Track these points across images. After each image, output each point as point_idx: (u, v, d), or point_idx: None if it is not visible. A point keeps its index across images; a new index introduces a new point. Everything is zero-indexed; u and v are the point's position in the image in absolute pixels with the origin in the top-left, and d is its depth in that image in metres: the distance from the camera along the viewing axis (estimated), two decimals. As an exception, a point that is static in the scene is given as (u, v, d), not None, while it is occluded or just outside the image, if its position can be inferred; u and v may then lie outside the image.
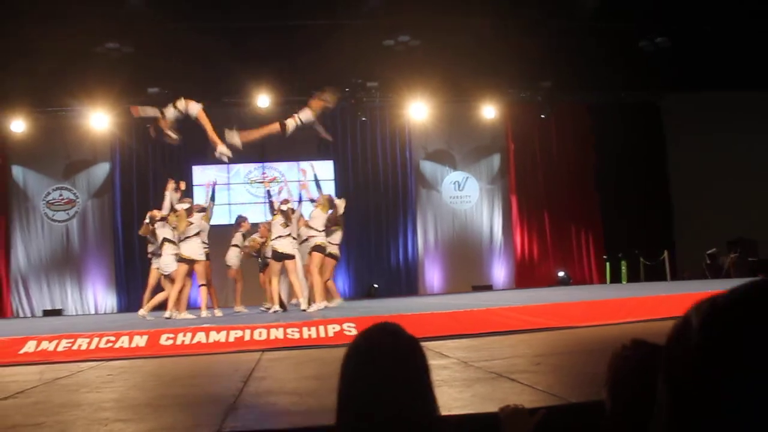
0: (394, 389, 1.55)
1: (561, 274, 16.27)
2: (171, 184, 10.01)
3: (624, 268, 15.82)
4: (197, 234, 9.59)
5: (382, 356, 1.59)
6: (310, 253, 9.92)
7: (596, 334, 5.75)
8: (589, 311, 6.60)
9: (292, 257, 9.50)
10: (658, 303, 6.82)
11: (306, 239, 10.15)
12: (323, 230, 10.00)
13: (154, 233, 10.01)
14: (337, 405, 1.62)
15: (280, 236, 9.52)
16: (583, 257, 16.61)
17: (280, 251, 9.49)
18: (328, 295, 10.13)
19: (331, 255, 10.31)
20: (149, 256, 10.56)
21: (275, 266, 9.68)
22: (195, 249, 9.52)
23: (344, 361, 1.64)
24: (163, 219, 9.75)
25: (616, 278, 15.91)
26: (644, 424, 1.21)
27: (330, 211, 10.21)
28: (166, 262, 9.59)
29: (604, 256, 16.37)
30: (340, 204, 10.56)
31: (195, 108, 10.10)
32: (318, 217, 10.01)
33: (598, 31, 13.19)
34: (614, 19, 12.92)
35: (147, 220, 10.21)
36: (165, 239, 9.66)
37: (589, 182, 16.69)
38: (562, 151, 16.76)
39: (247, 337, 5.78)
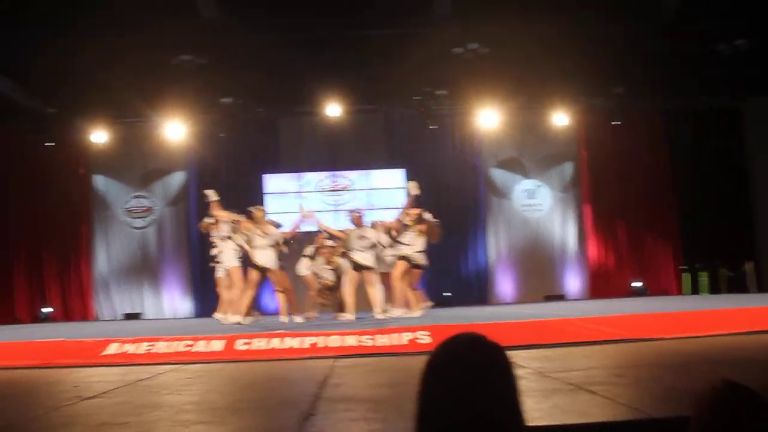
0: (480, 400, 1.47)
1: (636, 284, 15.85)
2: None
3: (704, 279, 15.29)
4: (273, 245, 9.65)
5: (467, 366, 1.51)
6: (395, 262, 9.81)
7: (676, 348, 5.56)
8: (669, 323, 6.40)
9: (371, 269, 9.50)
10: (743, 316, 6.56)
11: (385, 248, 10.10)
12: (410, 244, 9.84)
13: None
14: (418, 415, 1.53)
15: (359, 248, 9.51)
16: (660, 267, 16.13)
17: (360, 263, 9.49)
18: (409, 304, 9.97)
19: (417, 265, 10.04)
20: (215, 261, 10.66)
21: (354, 276, 9.66)
22: (269, 259, 9.60)
23: (426, 371, 1.56)
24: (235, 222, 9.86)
25: (694, 289, 15.41)
26: None
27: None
28: (228, 257, 9.68)
29: (682, 267, 15.87)
30: (428, 216, 10.30)
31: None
32: (408, 233, 9.85)
33: (672, 35, 12.85)
34: (690, 22, 12.58)
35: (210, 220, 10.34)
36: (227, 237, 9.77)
37: (666, 190, 16.23)
38: (636, 158, 16.35)
39: (321, 344, 5.81)
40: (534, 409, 3.23)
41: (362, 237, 9.54)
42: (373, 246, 9.63)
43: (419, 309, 9.81)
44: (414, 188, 10.02)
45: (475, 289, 15.86)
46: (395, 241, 9.85)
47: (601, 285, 15.90)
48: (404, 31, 12.83)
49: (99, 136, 15.21)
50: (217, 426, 3.02)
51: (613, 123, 15.66)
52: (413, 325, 6.33)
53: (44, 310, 15.56)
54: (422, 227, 9.76)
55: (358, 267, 9.55)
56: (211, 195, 10.12)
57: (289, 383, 4.57)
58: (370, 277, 9.55)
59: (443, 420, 1.48)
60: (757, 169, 16.05)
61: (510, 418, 1.49)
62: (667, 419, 3.00)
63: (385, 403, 3.46)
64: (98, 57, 12.69)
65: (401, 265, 9.64)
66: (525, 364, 4.86)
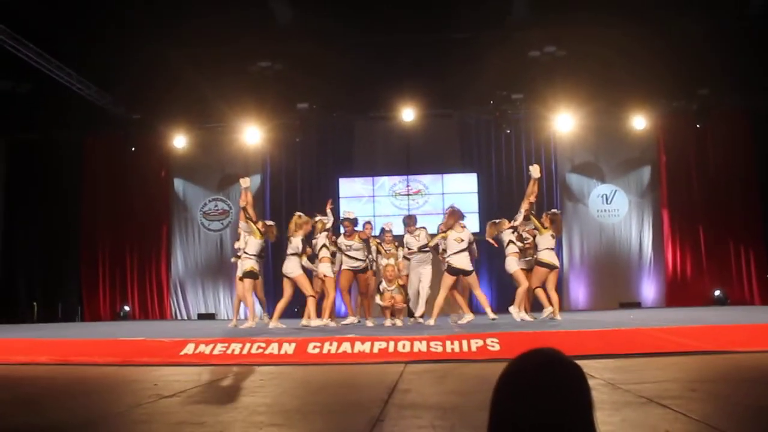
0: (554, 416, 1.43)
1: (717, 293, 15.33)
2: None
3: (789, 289, 14.69)
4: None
5: (544, 382, 1.47)
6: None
7: (755, 362, 5.38)
8: (750, 335, 6.16)
9: (469, 272, 9.39)
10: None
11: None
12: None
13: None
14: (490, 426, 1.51)
15: (456, 251, 9.35)
16: (743, 275, 15.55)
17: (456, 267, 9.32)
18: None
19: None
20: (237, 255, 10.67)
21: (448, 280, 9.44)
22: (326, 268, 9.74)
23: (502, 382, 1.52)
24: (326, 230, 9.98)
25: (779, 300, 14.81)
26: None
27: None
28: (291, 267, 9.72)
29: (767, 275, 15.26)
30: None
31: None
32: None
33: (757, 32, 12.41)
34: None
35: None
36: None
37: (751, 194, 15.63)
38: (719, 161, 15.81)
39: (391, 349, 5.86)
40: (604, 422, 3.19)
41: (460, 241, 9.41)
42: (467, 248, 9.48)
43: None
44: (536, 171, 9.76)
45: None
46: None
47: (679, 293, 15.44)
48: (481, 34, 12.82)
49: (179, 140, 15.72)
50: (288, 429, 3.10)
51: (696, 125, 15.21)
52: (483, 332, 6.31)
53: (124, 308, 16.19)
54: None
55: (455, 271, 9.36)
56: (243, 182, 10.14)
57: (358, 388, 4.62)
58: (470, 281, 9.46)
59: None
60: None
61: None
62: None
63: (453, 411, 3.48)
64: (179, 65, 13.14)
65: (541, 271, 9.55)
66: (596, 374, 4.79)
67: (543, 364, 1.52)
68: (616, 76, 13.47)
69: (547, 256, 9.44)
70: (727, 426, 3.01)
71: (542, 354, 1.54)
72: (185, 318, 16.25)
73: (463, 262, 9.32)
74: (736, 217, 15.58)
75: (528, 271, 9.64)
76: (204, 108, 14.96)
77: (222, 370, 5.46)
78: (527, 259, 9.79)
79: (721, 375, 4.85)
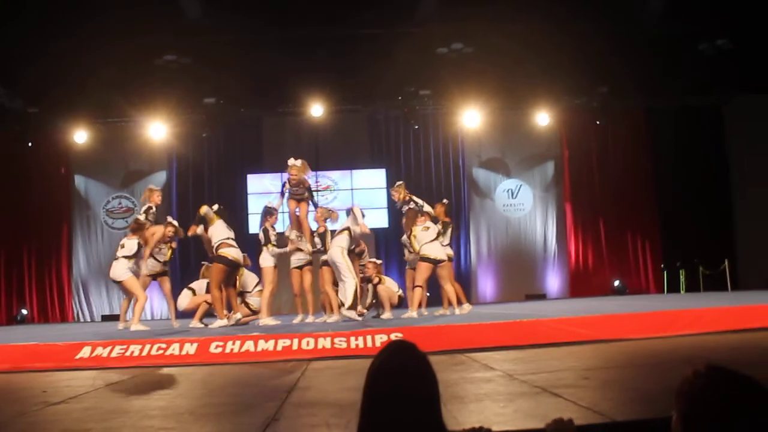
0: (406, 406, 1.66)
1: (616, 283, 15.95)
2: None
3: (682, 278, 15.40)
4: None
5: (396, 374, 1.72)
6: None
7: (649, 348, 5.60)
8: (642, 323, 6.42)
9: (441, 261, 9.05)
10: (717, 315, 6.59)
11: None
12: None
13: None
14: (359, 417, 1.75)
15: (426, 242, 9.05)
16: (639, 266, 16.26)
17: (431, 257, 8.98)
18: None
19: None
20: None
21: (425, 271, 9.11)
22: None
23: (366, 378, 1.76)
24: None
25: (674, 288, 15.52)
26: None
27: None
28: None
29: (662, 266, 15.98)
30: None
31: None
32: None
33: (655, 35, 12.93)
34: (673, 22, 12.65)
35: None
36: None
37: (647, 190, 16.34)
38: (618, 158, 16.46)
39: (294, 347, 5.81)
40: (497, 413, 3.25)
41: (427, 229, 9.07)
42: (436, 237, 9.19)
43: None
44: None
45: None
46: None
47: (581, 284, 15.99)
48: (388, 31, 12.83)
49: (80, 136, 15.14)
50: (177, 432, 3.02)
51: (596, 122, 15.77)
52: (387, 327, 6.34)
53: (21, 311, 15.47)
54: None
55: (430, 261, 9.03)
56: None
57: (258, 387, 4.56)
58: (442, 272, 9.17)
59: (374, 425, 1.71)
60: (737, 169, 16.18)
61: (431, 424, 1.71)
62: (628, 423, 3.02)
63: (350, 408, 3.46)
64: (80, 57, 12.62)
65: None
66: (496, 366, 4.88)
67: (395, 354, 1.79)
68: (521, 72, 13.75)
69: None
70: (612, 411, 3.10)
71: (395, 346, 1.84)
72: (88, 320, 15.67)
73: (436, 251, 9.06)
74: (634, 211, 16.25)
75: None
76: (107, 102, 14.42)
77: (119, 374, 5.29)
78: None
79: (613, 362, 5.03)
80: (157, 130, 14.94)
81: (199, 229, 9.36)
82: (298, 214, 9.74)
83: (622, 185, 16.28)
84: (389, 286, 9.80)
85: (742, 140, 15.87)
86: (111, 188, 16.22)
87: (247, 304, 9.76)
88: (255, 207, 15.29)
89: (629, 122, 16.44)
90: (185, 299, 9.88)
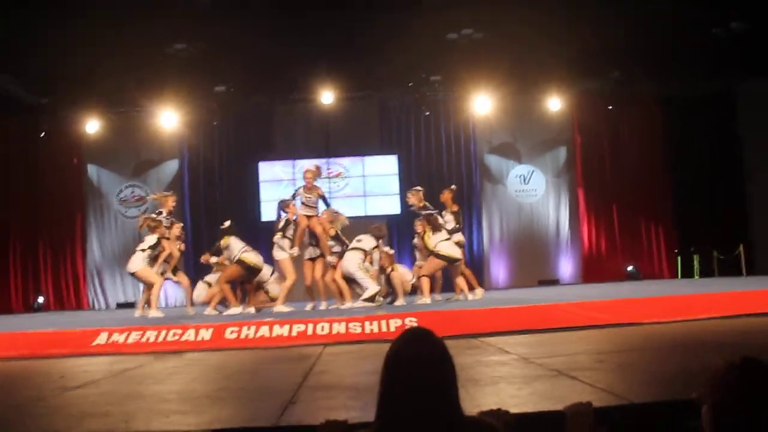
0: (423, 393, 1.70)
1: (630, 268, 15.88)
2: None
3: (696, 263, 15.31)
4: None
5: (413, 361, 1.74)
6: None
7: (663, 332, 5.59)
8: (656, 307, 6.41)
9: (456, 260, 9.34)
10: (731, 300, 6.59)
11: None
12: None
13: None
14: (377, 404, 1.77)
15: (441, 240, 9.29)
16: (653, 251, 16.16)
17: (446, 255, 9.26)
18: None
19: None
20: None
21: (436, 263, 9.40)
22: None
23: (383, 364, 1.79)
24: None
25: (688, 273, 15.43)
26: None
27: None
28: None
29: (676, 251, 15.89)
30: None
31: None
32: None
33: (669, 19, 12.79)
34: (685, 6, 12.51)
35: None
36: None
37: (660, 174, 16.21)
38: (631, 142, 16.33)
39: (309, 332, 5.84)
40: (513, 395, 3.25)
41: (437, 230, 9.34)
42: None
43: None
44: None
45: (470, 275, 15.86)
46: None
47: (594, 269, 15.92)
48: (398, 16, 12.76)
49: (92, 125, 15.16)
50: (195, 416, 3.04)
51: (608, 107, 15.66)
52: (402, 312, 6.35)
53: (38, 299, 15.58)
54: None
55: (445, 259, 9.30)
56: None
57: (274, 372, 4.58)
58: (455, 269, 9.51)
59: (391, 410, 1.74)
60: (750, 154, 16.04)
61: (447, 409, 1.74)
62: (645, 405, 3.02)
63: (366, 391, 3.47)
64: (91, 47, 12.62)
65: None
66: (511, 350, 4.89)
67: (412, 341, 1.81)
68: (532, 57, 13.62)
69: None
70: (628, 393, 3.10)
71: (411, 333, 1.87)
72: (104, 308, 15.77)
73: (448, 249, 9.27)
74: (646, 196, 16.13)
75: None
76: (118, 91, 14.44)
77: (136, 359, 5.33)
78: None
79: (628, 346, 5.02)
80: (169, 118, 14.93)
81: (212, 259, 9.86)
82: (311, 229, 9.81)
83: (635, 170, 16.16)
84: (402, 273, 9.87)
85: (755, 124, 15.71)
86: (123, 177, 16.24)
87: (266, 292, 9.91)
88: (267, 195, 15.29)
89: (641, 107, 16.29)
90: (201, 292, 10.11)
